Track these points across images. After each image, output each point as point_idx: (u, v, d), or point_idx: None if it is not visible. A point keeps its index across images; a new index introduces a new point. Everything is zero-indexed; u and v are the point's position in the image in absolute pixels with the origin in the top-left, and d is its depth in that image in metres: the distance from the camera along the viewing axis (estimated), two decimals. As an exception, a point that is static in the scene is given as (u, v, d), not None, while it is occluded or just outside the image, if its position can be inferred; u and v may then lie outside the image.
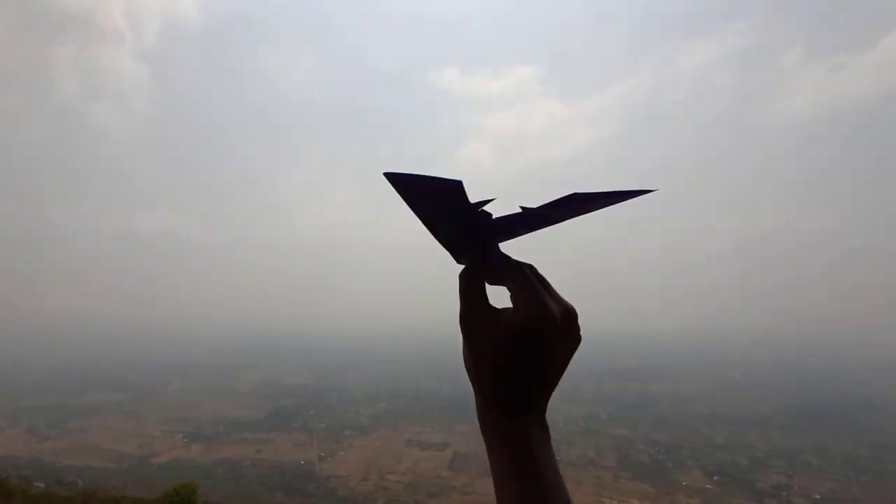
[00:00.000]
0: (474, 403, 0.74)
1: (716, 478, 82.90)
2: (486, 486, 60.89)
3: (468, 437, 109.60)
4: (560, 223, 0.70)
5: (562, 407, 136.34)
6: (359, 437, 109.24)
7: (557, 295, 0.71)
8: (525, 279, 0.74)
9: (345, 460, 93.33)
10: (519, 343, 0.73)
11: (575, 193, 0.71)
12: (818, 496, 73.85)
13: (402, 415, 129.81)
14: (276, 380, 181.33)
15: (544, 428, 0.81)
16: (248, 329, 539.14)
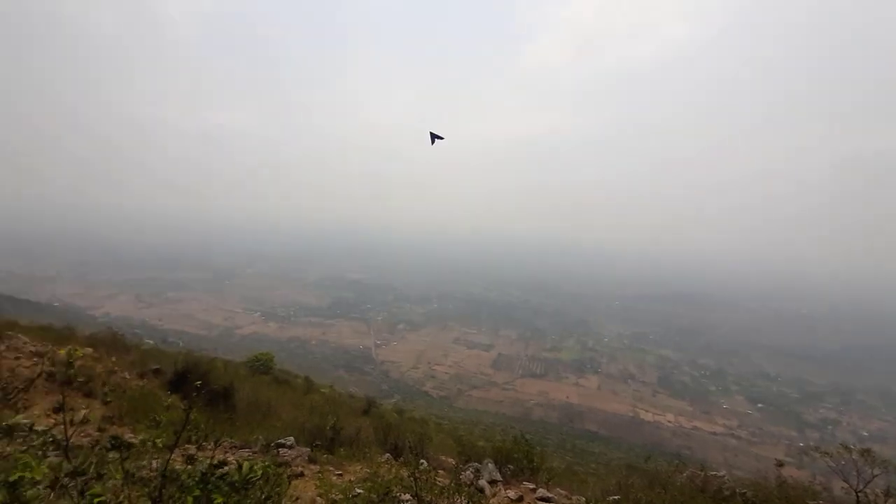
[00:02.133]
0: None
1: (760, 405, 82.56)
2: (525, 385, 63.84)
3: (512, 341, 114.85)
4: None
5: (609, 324, 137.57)
6: (411, 331, 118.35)
7: None
8: None
9: (398, 349, 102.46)
10: None
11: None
12: (866, 433, 72.01)
13: (451, 316, 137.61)
14: (338, 274, 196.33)
15: None
16: (313, 225, 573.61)
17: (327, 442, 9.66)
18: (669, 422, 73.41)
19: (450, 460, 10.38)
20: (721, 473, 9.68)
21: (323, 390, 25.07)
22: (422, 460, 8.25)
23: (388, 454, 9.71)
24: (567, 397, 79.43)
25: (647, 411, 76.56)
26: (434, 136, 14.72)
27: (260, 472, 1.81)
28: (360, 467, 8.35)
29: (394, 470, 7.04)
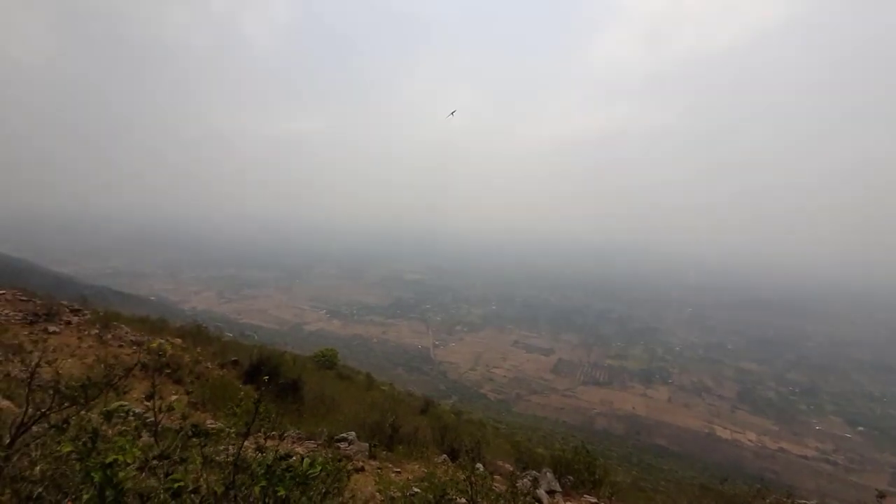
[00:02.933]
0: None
1: (861, 428, 73.06)
2: (587, 393, 61.09)
3: (574, 346, 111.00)
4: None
5: (681, 332, 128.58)
6: (469, 333, 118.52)
7: None
8: None
9: (456, 350, 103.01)
10: None
11: None
12: None
13: (510, 318, 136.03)
14: (398, 274, 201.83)
15: None
16: (374, 225, 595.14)
17: (386, 439, 9.94)
18: (751, 441, 67.13)
19: (507, 466, 10.24)
20: (812, 502, 8.65)
21: (383, 387, 25.81)
22: (478, 464, 8.21)
23: (444, 455, 9.78)
24: (633, 408, 75.37)
25: (724, 428, 70.60)
26: (452, 113, 16.93)
27: (319, 469, 1.91)
28: (417, 466, 8.49)
29: (450, 472, 7.08)
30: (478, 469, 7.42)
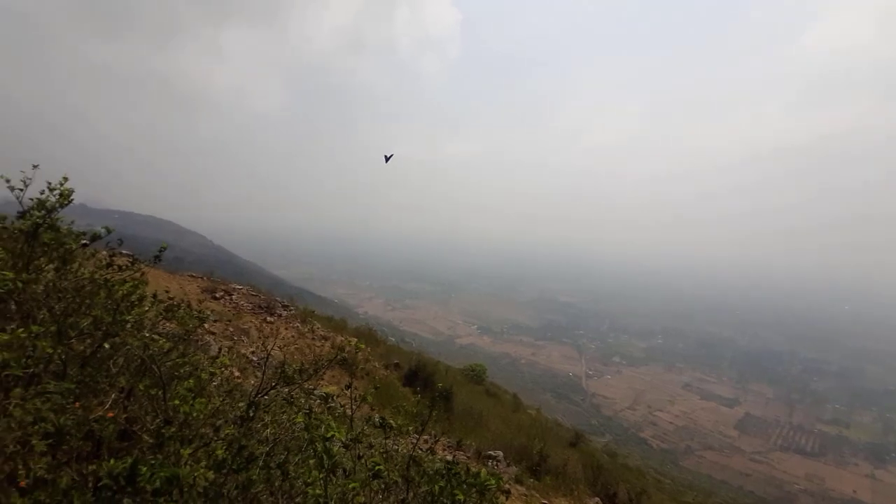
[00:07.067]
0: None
1: None
2: (786, 462, 49.38)
3: (768, 400, 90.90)
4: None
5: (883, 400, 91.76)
6: (629, 367, 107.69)
7: None
8: None
9: (612, 384, 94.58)
10: None
11: None
12: None
13: (680, 356, 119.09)
14: (550, 296, 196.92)
15: None
16: (528, 245, 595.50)
17: (533, 465, 9.67)
18: None
19: (673, 528, 8.87)
20: None
21: (530, 411, 25.13)
22: (638, 517, 7.32)
23: (597, 498, 9.03)
24: (854, 491, 57.58)
25: None
26: (387, 158, 13.05)
27: (495, 482, 2.00)
28: (565, 502, 8.02)
29: (605, 518, 6.48)
30: (638, 523, 6.62)
